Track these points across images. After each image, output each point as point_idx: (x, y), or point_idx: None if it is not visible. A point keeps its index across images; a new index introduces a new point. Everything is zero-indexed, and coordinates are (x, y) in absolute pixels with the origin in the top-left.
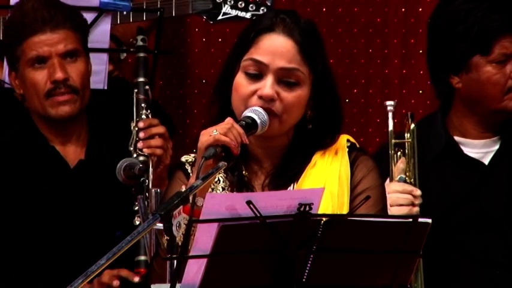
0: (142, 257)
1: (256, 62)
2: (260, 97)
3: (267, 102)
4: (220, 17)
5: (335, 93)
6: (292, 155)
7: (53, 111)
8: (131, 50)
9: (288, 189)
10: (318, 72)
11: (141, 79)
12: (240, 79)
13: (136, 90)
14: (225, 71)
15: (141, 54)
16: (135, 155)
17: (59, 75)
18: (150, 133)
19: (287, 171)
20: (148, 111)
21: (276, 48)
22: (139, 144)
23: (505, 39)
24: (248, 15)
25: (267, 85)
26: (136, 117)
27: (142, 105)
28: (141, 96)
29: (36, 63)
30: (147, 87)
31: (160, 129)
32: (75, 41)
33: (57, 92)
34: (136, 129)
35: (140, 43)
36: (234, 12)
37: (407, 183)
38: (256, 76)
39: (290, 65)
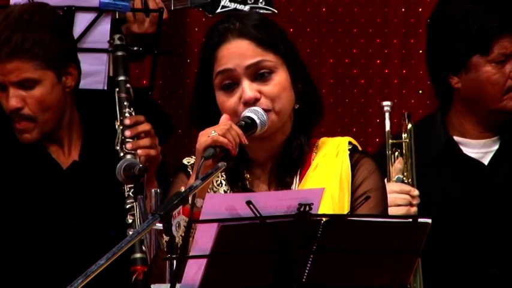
0: (138, 255)
1: (223, 73)
2: (245, 103)
3: (252, 104)
4: (219, 10)
5: (305, 68)
6: (290, 144)
7: (18, 135)
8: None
9: (291, 187)
10: (284, 53)
11: (122, 78)
12: (221, 97)
13: (117, 89)
14: (197, 100)
15: (119, 53)
16: (122, 154)
17: (12, 104)
18: (137, 131)
19: (288, 163)
20: (131, 109)
21: (234, 52)
22: (129, 145)
23: (504, 39)
24: (247, 8)
25: (246, 89)
26: (119, 117)
27: (125, 103)
28: (123, 95)
29: None
30: (128, 85)
31: (146, 126)
32: (31, 69)
33: (14, 120)
34: (121, 127)
35: (118, 42)
36: (232, 5)
37: (405, 183)
38: (232, 85)
39: (255, 60)
